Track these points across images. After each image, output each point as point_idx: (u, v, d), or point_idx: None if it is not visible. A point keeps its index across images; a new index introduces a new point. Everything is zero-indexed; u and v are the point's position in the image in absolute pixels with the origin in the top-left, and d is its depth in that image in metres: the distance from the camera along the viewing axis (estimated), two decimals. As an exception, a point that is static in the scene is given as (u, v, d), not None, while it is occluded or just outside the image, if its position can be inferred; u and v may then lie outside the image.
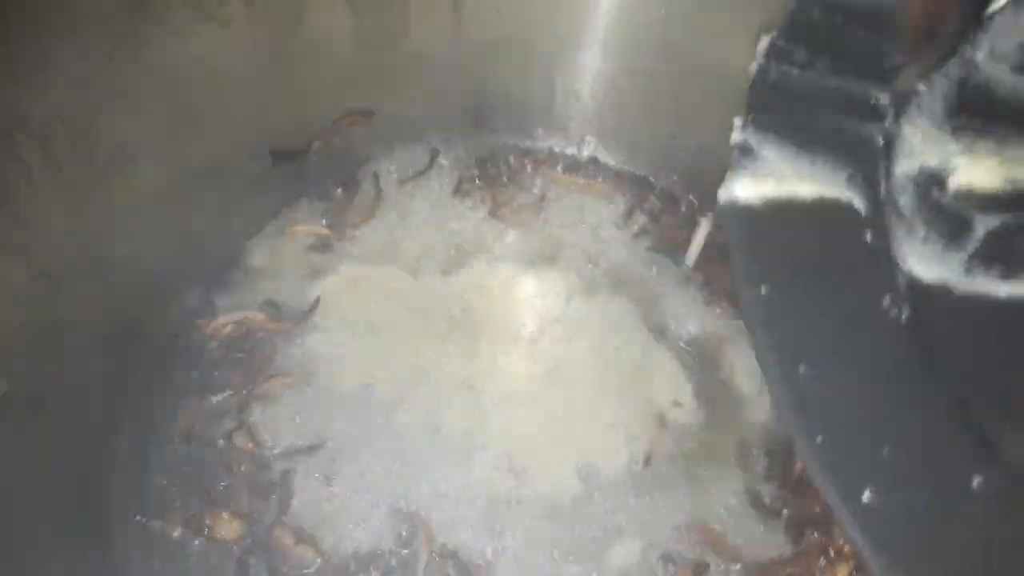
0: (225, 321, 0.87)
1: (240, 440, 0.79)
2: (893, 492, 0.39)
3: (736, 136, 0.46)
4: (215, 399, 0.82)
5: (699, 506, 0.81)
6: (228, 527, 0.77)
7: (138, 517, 0.77)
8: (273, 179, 0.89)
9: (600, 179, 1.00)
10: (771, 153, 0.46)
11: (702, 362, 0.88)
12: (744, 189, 0.45)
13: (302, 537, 0.76)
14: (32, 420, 0.66)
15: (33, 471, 0.67)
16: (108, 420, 0.78)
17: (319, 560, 0.76)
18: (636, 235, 0.98)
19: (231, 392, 0.83)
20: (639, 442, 0.83)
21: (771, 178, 0.45)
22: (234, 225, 0.89)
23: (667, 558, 0.77)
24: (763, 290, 0.42)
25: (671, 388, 0.87)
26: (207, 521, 0.77)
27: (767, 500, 0.81)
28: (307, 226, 0.92)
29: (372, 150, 0.95)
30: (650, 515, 0.80)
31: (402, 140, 0.96)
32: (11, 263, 0.67)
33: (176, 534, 0.77)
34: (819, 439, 0.40)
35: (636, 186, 1.00)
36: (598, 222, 0.98)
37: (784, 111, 0.47)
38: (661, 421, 0.84)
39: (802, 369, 0.41)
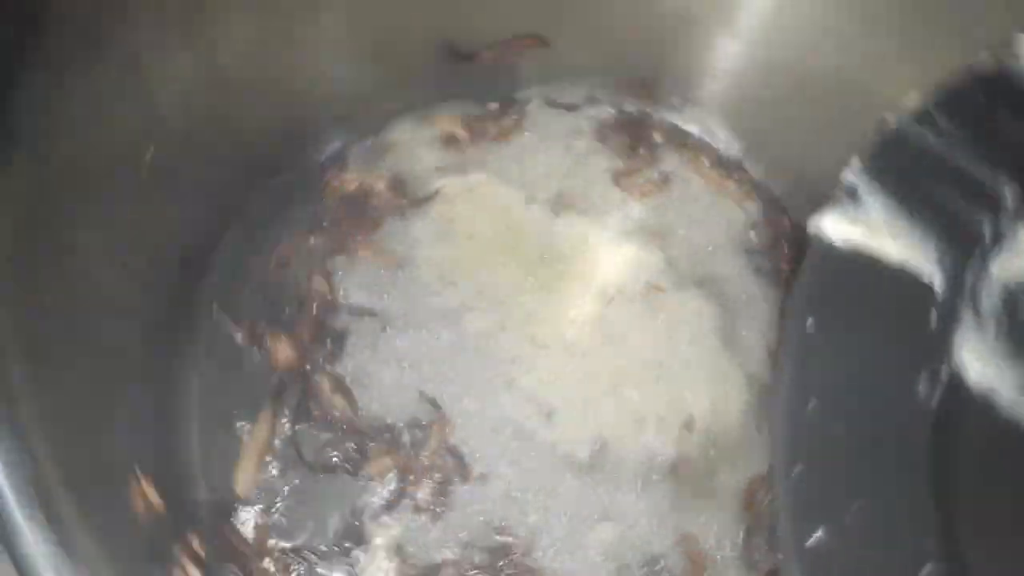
0: (352, 178, 0.94)
1: (318, 283, 0.87)
2: (843, 546, 0.41)
3: (848, 175, 0.47)
4: (313, 241, 0.90)
5: (690, 520, 0.83)
6: (283, 352, 0.85)
7: (215, 312, 0.86)
8: (434, 73, 0.94)
9: (736, 182, 1.00)
10: (874, 204, 0.46)
11: (759, 385, 0.89)
12: (834, 226, 0.46)
13: (337, 387, 0.84)
14: (161, 191, 0.74)
15: (146, 235, 0.76)
16: (223, 220, 0.87)
17: (341, 413, 0.83)
18: (750, 251, 0.98)
19: (329, 241, 0.90)
20: (665, 438, 0.86)
21: (864, 227, 0.46)
22: (385, 101, 0.95)
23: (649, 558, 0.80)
24: (810, 322, 0.44)
25: (719, 397, 0.88)
26: (268, 340, 0.85)
27: (756, 552, 0.82)
28: (449, 122, 0.97)
29: (535, 77, 0.99)
30: (643, 505, 0.83)
31: (564, 77, 0.99)
32: (195, 60, 0.75)
33: (239, 340, 0.86)
34: (796, 470, 0.41)
35: (771, 205, 1.00)
36: (717, 223, 0.98)
37: (904, 170, 0.48)
38: (692, 424, 0.86)
39: (811, 404, 0.43)
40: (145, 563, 0.65)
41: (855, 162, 0.47)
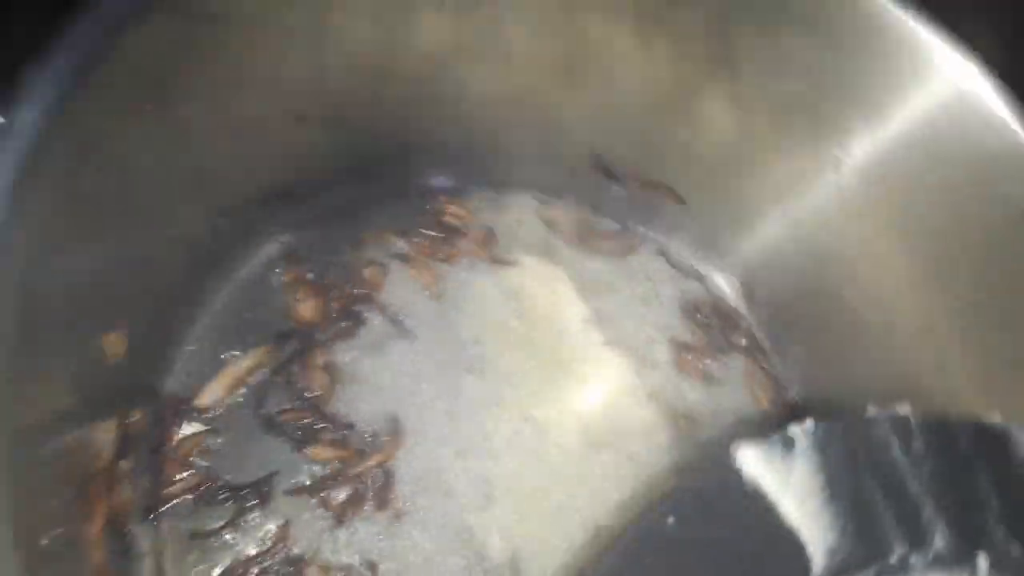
0: (458, 212, 1.01)
1: (372, 274, 0.95)
2: None
3: (793, 428, 0.47)
4: (394, 241, 0.98)
5: None
6: (309, 309, 0.91)
7: (279, 244, 0.94)
8: (580, 172, 1.01)
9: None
10: (800, 464, 0.46)
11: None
12: (753, 461, 0.46)
13: (328, 367, 0.89)
14: (292, 141, 0.84)
15: (257, 168, 0.86)
16: (326, 182, 0.95)
17: (319, 394, 0.88)
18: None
19: (406, 247, 0.97)
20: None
21: (779, 476, 0.46)
22: (526, 172, 1.02)
23: None
24: (670, 520, 0.44)
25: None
26: (301, 292, 0.92)
27: None
28: (564, 216, 1.03)
29: (666, 225, 1.05)
30: None
31: (687, 238, 1.05)
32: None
33: (281, 279, 0.93)
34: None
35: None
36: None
37: (852, 456, 0.47)
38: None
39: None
40: (79, 401, 0.70)
41: (809, 424, 0.47)
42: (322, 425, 0.87)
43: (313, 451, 0.86)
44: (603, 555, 0.45)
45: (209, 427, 0.86)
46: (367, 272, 0.94)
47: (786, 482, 0.45)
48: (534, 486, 0.88)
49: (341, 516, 0.84)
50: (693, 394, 0.97)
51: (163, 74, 0.66)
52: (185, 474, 0.84)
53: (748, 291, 1.03)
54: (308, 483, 0.85)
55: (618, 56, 0.87)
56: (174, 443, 0.84)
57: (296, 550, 0.82)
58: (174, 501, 0.82)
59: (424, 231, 0.99)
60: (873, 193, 0.83)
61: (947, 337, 0.79)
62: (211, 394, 0.88)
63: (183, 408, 0.86)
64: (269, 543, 0.81)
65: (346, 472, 0.85)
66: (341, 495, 0.85)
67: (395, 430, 0.88)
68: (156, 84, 0.66)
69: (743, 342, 1.02)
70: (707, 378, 0.98)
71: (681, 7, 0.79)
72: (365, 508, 0.84)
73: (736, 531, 0.44)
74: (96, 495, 0.66)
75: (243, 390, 0.88)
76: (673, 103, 0.89)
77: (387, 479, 0.86)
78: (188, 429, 0.86)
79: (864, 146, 0.81)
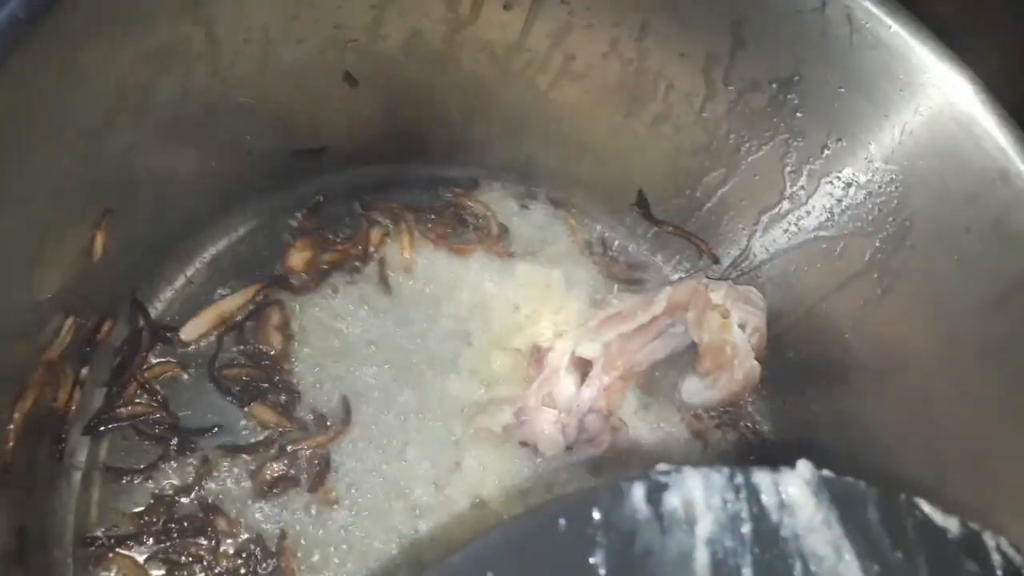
0: (475, 205, 0.98)
1: (376, 236, 0.93)
2: None
3: (662, 467, 0.43)
4: (407, 216, 0.95)
5: None
6: (302, 257, 0.91)
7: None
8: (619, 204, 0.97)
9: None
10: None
11: None
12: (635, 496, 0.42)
13: (283, 330, 0.87)
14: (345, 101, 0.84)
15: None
16: (357, 153, 0.94)
17: (272, 353, 0.86)
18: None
19: (418, 226, 0.95)
20: None
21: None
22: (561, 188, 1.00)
23: None
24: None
25: None
26: (296, 243, 0.91)
27: None
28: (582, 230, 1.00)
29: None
30: None
31: None
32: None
33: (293, 225, 0.93)
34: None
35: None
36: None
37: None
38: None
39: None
40: (50, 288, 0.69)
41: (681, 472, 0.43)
42: (266, 386, 0.85)
43: (255, 408, 0.84)
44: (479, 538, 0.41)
45: (179, 361, 0.85)
46: (375, 232, 0.92)
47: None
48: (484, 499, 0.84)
49: (266, 488, 0.81)
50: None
51: None
52: (142, 399, 0.82)
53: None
54: (240, 445, 0.82)
55: (679, 96, 0.84)
56: (143, 367, 0.83)
57: (203, 508, 0.79)
58: (121, 423, 0.80)
59: (442, 217, 0.97)
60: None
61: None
62: (193, 328, 0.87)
63: (161, 335, 0.85)
64: (189, 481, 0.79)
65: (283, 445, 0.82)
66: (272, 470, 0.81)
67: (343, 415, 0.84)
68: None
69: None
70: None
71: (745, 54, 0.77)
72: (295, 488, 0.81)
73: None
74: (29, 386, 0.64)
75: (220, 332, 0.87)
76: (720, 149, 0.87)
77: (324, 466, 0.82)
78: (156, 361, 0.85)
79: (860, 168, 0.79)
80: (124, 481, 0.78)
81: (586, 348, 0.90)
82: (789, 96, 0.79)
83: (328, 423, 0.84)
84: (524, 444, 0.87)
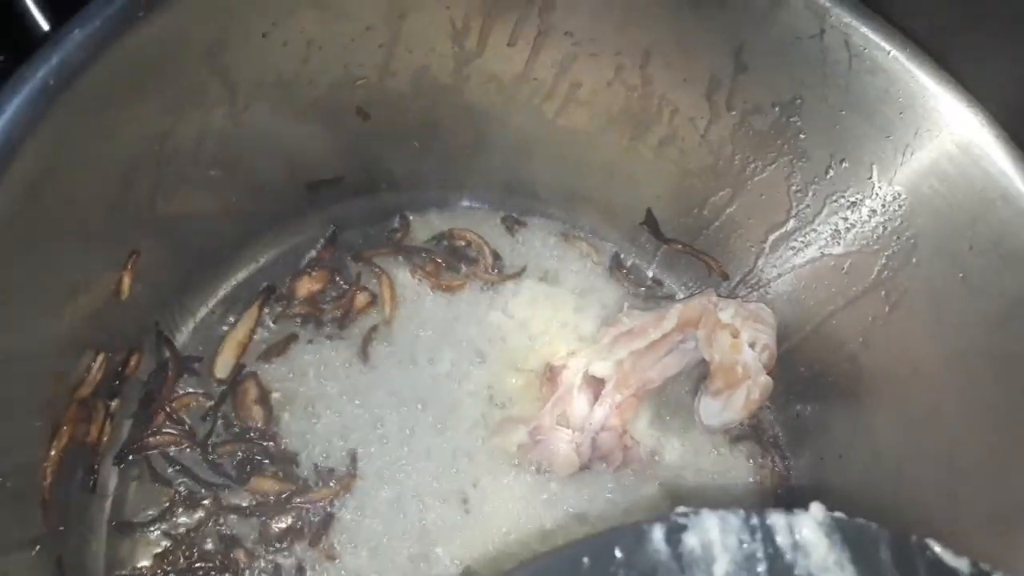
0: (469, 235, 1.00)
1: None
2: None
3: (681, 509, 0.46)
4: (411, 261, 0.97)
5: None
6: (303, 285, 0.93)
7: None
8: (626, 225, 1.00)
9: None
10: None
11: None
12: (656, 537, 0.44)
13: (262, 402, 0.87)
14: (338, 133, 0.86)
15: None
16: (366, 182, 0.96)
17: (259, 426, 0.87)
18: None
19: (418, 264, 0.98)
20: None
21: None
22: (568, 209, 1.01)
23: None
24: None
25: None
26: (313, 271, 0.94)
27: None
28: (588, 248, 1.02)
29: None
30: None
31: None
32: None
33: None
34: None
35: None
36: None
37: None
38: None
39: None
40: (79, 329, 0.72)
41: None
42: (260, 458, 0.85)
43: (255, 483, 0.84)
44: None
45: (204, 391, 0.88)
46: (358, 299, 0.94)
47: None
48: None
49: (277, 542, 0.82)
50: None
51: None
52: (170, 429, 0.85)
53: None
54: (246, 506, 0.83)
55: (684, 119, 0.86)
56: (171, 398, 0.86)
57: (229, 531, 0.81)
58: (151, 451, 0.83)
59: (433, 254, 0.98)
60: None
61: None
62: (223, 364, 0.89)
63: (187, 366, 0.88)
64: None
65: (290, 500, 0.83)
66: (282, 523, 0.83)
67: (349, 468, 0.86)
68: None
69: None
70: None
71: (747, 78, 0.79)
72: (296, 545, 0.82)
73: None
74: (64, 423, 0.67)
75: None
76: (726, 170, 0.88)
77: (327, 520, 0.83)
78: (185, 388, 0.88)
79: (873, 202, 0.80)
80: (138, 535, 0.80)
81: (599, 367, 0.92)
82: (792, 118, 0.80)
83: (331, 473, 0.85)
84: (538, 469, 0.89)
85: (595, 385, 0.92)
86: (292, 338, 0.91)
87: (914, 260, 0.78)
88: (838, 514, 0.47)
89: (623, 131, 0.90)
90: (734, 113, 0.83)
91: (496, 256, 0.99)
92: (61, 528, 0.71)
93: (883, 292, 0.82)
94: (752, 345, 0.87)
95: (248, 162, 0.81)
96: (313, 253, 0.95)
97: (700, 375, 0.95)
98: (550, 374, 0.93)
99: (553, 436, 0.88)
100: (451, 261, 0.98)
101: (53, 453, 0.65)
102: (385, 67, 0.80)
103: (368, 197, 0.96)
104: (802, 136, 0.81)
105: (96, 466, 0.78)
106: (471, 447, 0.89)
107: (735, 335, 0.87)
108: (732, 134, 0.85)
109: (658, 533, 0.45)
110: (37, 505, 0.68)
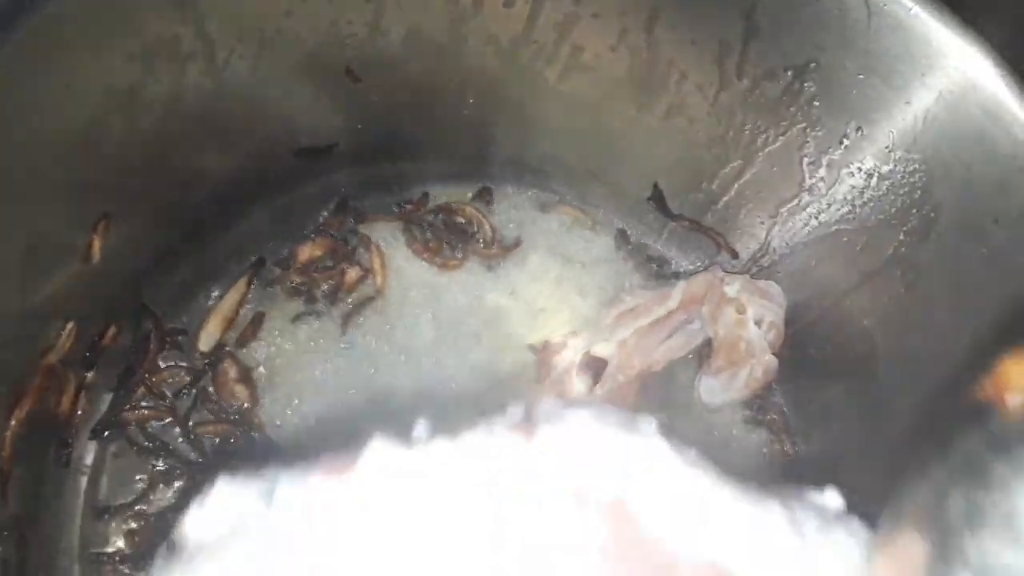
0: (469, 212, 0.96)
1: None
2: None
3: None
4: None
5: None
6: (304, 250, 0.90)
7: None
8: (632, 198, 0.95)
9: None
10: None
11: None
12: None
13: (244, 380, 0.85)
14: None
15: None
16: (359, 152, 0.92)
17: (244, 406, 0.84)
18: None
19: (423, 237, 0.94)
20: None
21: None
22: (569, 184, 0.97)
23: None
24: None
25: None
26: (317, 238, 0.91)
27: None
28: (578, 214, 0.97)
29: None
30: None
31: None
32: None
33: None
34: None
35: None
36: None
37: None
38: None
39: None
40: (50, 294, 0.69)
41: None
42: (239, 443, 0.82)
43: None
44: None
45: (188, 365, 0.85)
46: (349, 275, 0.90)
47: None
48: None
49: None
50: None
51: None
52: (150, 403, 0.82)
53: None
54: None
55: (692, 86, 0.81)
56: (152, 369, 0.83)
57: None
58: (129, 426, 0.80)
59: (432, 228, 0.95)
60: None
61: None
62: (207, 338, 0.86)
63: (169, 338, 0.85)
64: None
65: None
66: None
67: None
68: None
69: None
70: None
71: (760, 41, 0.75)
72: None
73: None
74: (26, 391, 0.64)
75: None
76: (736, 140, 0.84)
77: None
78: (168, 362, 0.85)
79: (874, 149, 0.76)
80: (127, 486, 0.78)
81: (600, 346, 0.88)
82: (806, 84, 0.75)
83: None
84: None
85: (596, 366, 0.88)
86: (279, 312, 0.87)
87: (933, 235, 0.73)
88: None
89: (629, 99, 0.85)
90: (745, 80, 0.78)
91: (495, 231, 0.95)
92: (30, 503, 0.68)
93: (900, 270, 0.77)
94: (758, 323, 0.83)
95: (232, 124, 0.77)
96: (310, 224, 0.92)
97: (704, 356, 0.91)
98: (548, 353, 0.89)
99: (550, 418, 0.85)
100: (448, 236, 0.94)
101: (13, 423, 0.62)
102: (375, 25, 0.75)
103: (363, 166, 0.92)
104: (816, 103, 0.76)
105: (71, 440, 0.75)
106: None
107: (741, 311, 0.83)
108: (742, 101, 0.80)
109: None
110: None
